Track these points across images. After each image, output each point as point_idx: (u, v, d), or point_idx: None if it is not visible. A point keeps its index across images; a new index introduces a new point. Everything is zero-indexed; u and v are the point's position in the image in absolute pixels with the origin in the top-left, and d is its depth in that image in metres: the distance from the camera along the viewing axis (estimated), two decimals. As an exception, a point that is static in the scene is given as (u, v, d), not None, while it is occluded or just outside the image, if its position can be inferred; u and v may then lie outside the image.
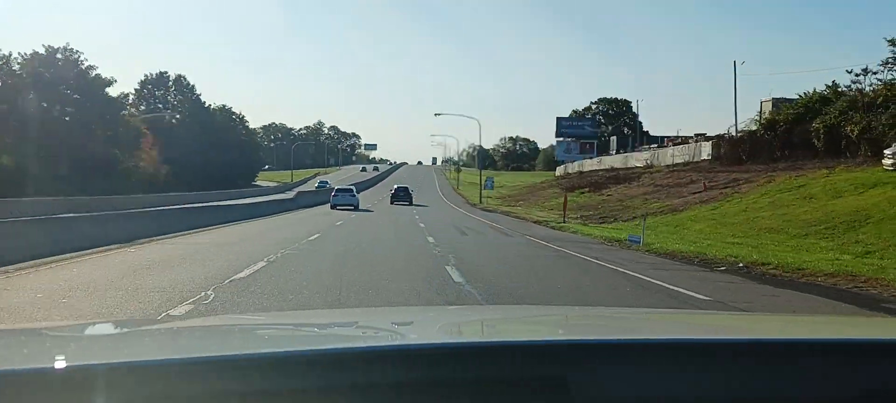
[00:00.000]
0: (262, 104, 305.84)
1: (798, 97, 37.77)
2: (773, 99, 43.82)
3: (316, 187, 69.64)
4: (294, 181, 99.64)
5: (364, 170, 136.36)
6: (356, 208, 41.02)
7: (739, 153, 40.87)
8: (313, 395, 1.20)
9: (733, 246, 17.77)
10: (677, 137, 66.33)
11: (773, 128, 37.51)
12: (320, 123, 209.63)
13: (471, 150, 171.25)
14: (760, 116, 43.85)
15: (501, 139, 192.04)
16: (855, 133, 30.52)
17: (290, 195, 50.71)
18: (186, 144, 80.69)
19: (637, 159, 59.24)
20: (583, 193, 51.19)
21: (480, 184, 54.00)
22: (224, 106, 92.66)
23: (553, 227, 27.09)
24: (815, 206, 23.31)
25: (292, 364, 1.25)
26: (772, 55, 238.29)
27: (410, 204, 49.79)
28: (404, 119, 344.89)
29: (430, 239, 18.42)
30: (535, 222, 31.27)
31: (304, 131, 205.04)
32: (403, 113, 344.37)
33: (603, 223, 29.97)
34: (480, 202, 51.88)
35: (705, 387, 1.31)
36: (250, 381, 1.18)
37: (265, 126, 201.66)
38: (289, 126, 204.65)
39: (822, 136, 33.06)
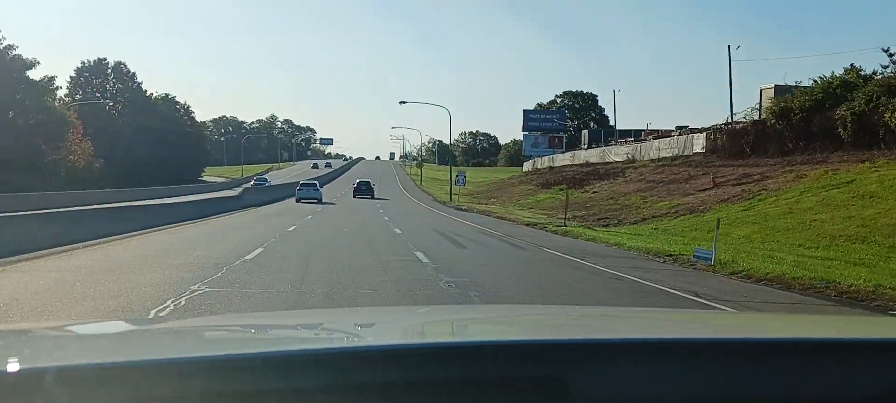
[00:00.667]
0: (213, 96, 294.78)
1: (815, 82, 33.33)
2: (775, 86, 39.54)
3: (252, 184, 61.01)
4: (244, 176, 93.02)
5: (315, 166, 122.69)
6: (320, 201, 43.17)
7: (742, 145, 36.42)
8: (312, 395, 1.17)
9: (835, 265, 12.86)
10: (655, 131, 62.15)
11: (785, 116, 33.05)
12: (273, 117, 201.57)
13: (431, 146, 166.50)
14: (760, 105, 39.58)
15: (461, 134, 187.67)
16: (894, 121, 26.18)
17: (235, 192, 44.57)
18: (125, 136, 73.44)
19: (616, 154, 54.72)
20: (563, 190, 46.33)
21: (451, 180, 48.41)
22: (167, 95, 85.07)
23: (555, 231, 21.94)
24: (886, 207, 18.70)
25: (292, 364, 1.22)
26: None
27: (372, 197, 52.13)
28: (361, 113, 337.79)
29: (421, 256, 12.97)
30: (527, 225, 26.04)
31: (257, 125, 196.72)
32: (360, 107, 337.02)
33: (606, 225, 24.98)
34: (451, 200, 46.50)
35: (705, 387, 1.28)
36: (248, 381, 1.15)
37: (215, 119, 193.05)
38: (240, 119, 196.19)
39: (849, 125, 28.64)
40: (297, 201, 42.25)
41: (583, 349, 1.36)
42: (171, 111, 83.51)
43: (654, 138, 52.53)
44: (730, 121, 42.37)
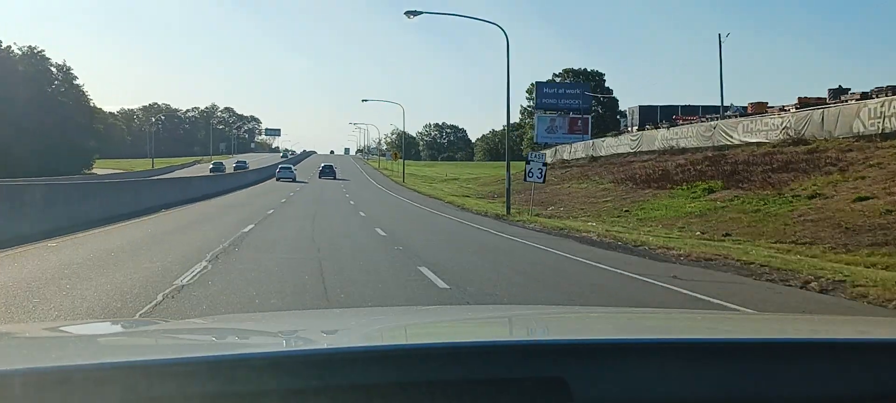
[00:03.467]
0: (141, 81, 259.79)
1: None
2: None
3: None
4: (155, 168, 66.98)
5: (217, 167, 63.66)
6: (293, 180, 52.04)
7: None
8: (310, 396, 1.13)
9: None
10: (764, 105, 39.49)
11: None
12: (214, 106, 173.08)
13: (394, 138, 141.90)
14: None
15: (425, 126, 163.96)
16: None
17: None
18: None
19: (747, 130, 31.47)
20: (715, 194, 22.88)
21: (509, 175, 22.89)
22: (33, 49, 56.86)
23: None
24: None
25: (291, 365, 1.19)
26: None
27: (335, 178, 56.59)
28: (315, 105, 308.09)
29: None
30: None
31: (194, 114, 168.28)
32: (313, 98, 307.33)
33: None
34: (510, 213, 21.83)
35: (705, 387, 1.26)
36: (246, 382, 1.11)
37: (145, 107, 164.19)
38: (174, 107, 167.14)
39: None
40: (277, 180, 51.53)
41: (583, 349, 1.32)
42: (38, 73, 55.63)
43: (843, 101, 29.58)
44: None
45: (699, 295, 8.04)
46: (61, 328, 2.32)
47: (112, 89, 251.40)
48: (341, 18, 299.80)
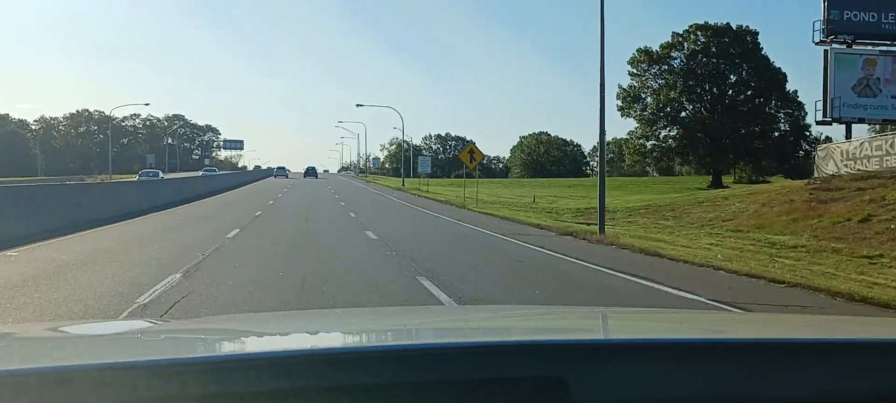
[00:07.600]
0: (80, 90, 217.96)
1: None
2: None
3: None
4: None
5: None
6: (286, 177, 70.06)
7: None
8: (310, 396, 1.11)
9: None
10: None
11: None
12: (167, 115, 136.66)
13: (393, 150, 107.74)
14: None
15: (425, 138, 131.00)
16: None
17: None
18: None
19: None
20: None
21: None
22: None
23: None
24: None
25: (291, 365, 1.17)
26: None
27: (316, 177, 73.84)
28: (285, 120, 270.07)
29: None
30: None
31: (134, 123, 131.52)
32: (284, 114, 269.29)
33: None
34: None
35: (705, 387, 1.23)
36: (246, 382, 1.09)
37: (71, 115, 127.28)
38: (109, 114, 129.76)
39: None
40: (275, 177, 68.98)
41: (583, 349, 1.30)
42: None
43: None
44: None
45: None
46: (61, 328, 2.16)
47: (44, 97, 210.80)
48: (312, 34, 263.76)
